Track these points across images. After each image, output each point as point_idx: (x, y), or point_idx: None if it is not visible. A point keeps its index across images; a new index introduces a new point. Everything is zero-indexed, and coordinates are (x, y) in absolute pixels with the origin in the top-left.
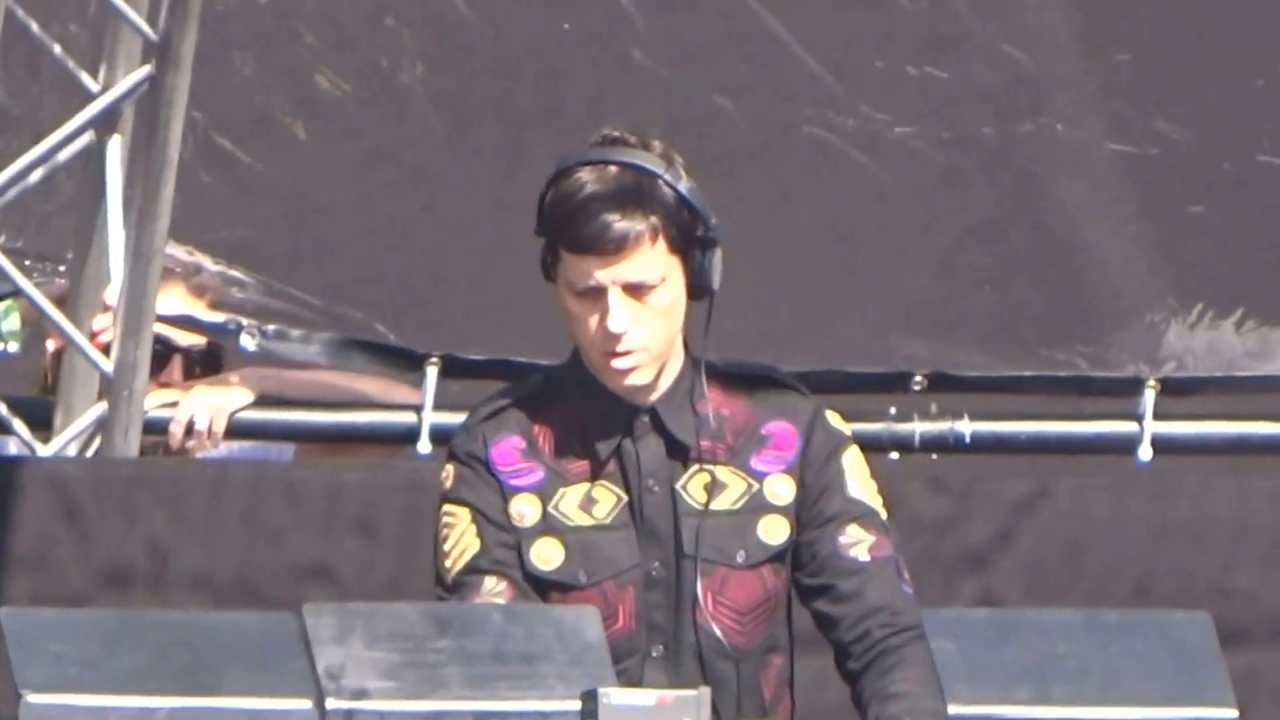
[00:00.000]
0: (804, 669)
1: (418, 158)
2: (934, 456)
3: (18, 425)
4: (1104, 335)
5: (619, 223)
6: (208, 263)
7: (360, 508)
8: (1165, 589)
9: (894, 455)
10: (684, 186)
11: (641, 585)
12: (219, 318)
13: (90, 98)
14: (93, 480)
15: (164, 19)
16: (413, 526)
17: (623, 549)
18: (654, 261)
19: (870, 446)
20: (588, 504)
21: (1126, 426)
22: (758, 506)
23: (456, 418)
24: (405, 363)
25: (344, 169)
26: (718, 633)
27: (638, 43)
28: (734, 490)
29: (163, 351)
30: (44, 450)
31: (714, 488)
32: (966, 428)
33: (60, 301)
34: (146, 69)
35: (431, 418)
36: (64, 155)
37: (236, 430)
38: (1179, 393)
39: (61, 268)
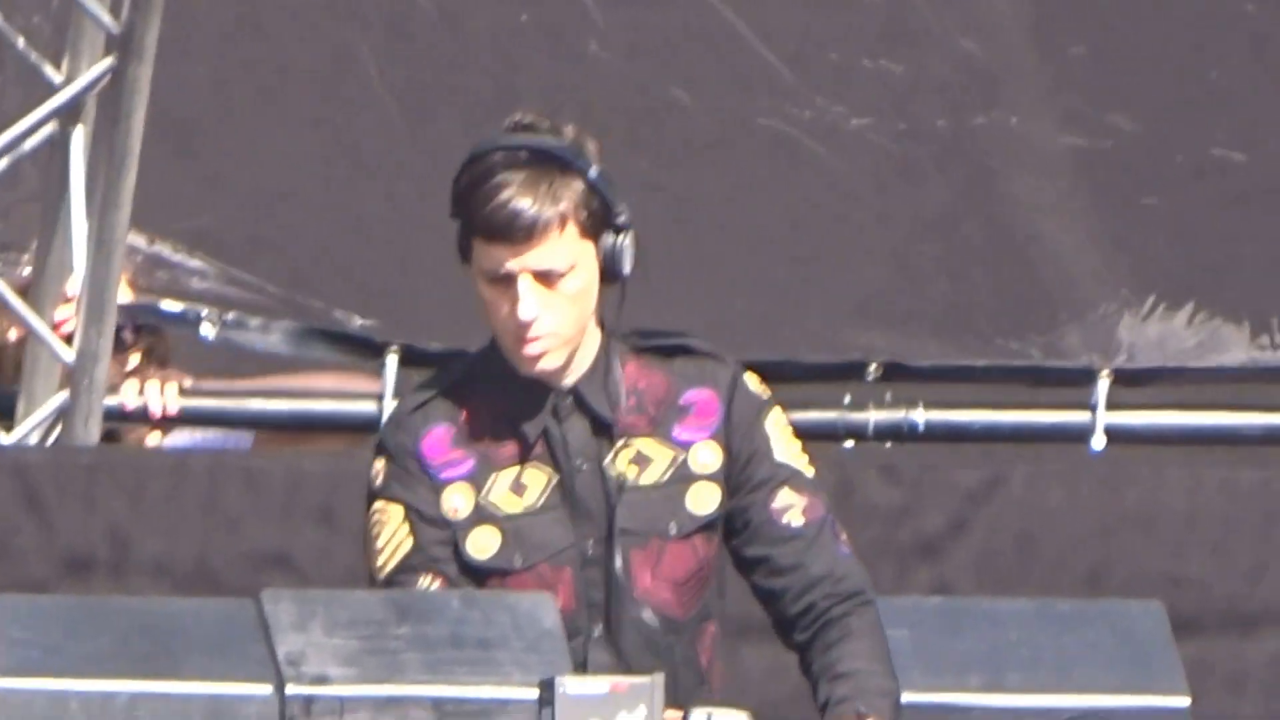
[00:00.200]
0: (761, 657)
1: (377, 147)
2: (888, 445)
3: None
4: (1057, 326)
5: (529, 210)
6: (168, 252)
7: (320, 496)
8: (1118, 578)
9: (848, 444)
10: (594, 172)
11: (578, 565)
12: (178, 306)
13: (53, 89)
14: (54, 468)
15: (126, 11)
16: None
17: (556, 530)
18: (564, 249)
19: (825, 435)
20: (518, 488)
21: (1079, 416)
22: (684, 476)
23: None
24: (365, 351)
25: (304, 159)
26: (656, 607)
27: (595, 35)
28: (660, 462)
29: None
30: (6, 438)
31: (640, 461)
32: (920, 417)
33: (23, 291)
34: (109, 60)
35: (392, 406)
36: (27, 145)
37: (196, 418)
38: (1132, 383)
39: (25, 256)
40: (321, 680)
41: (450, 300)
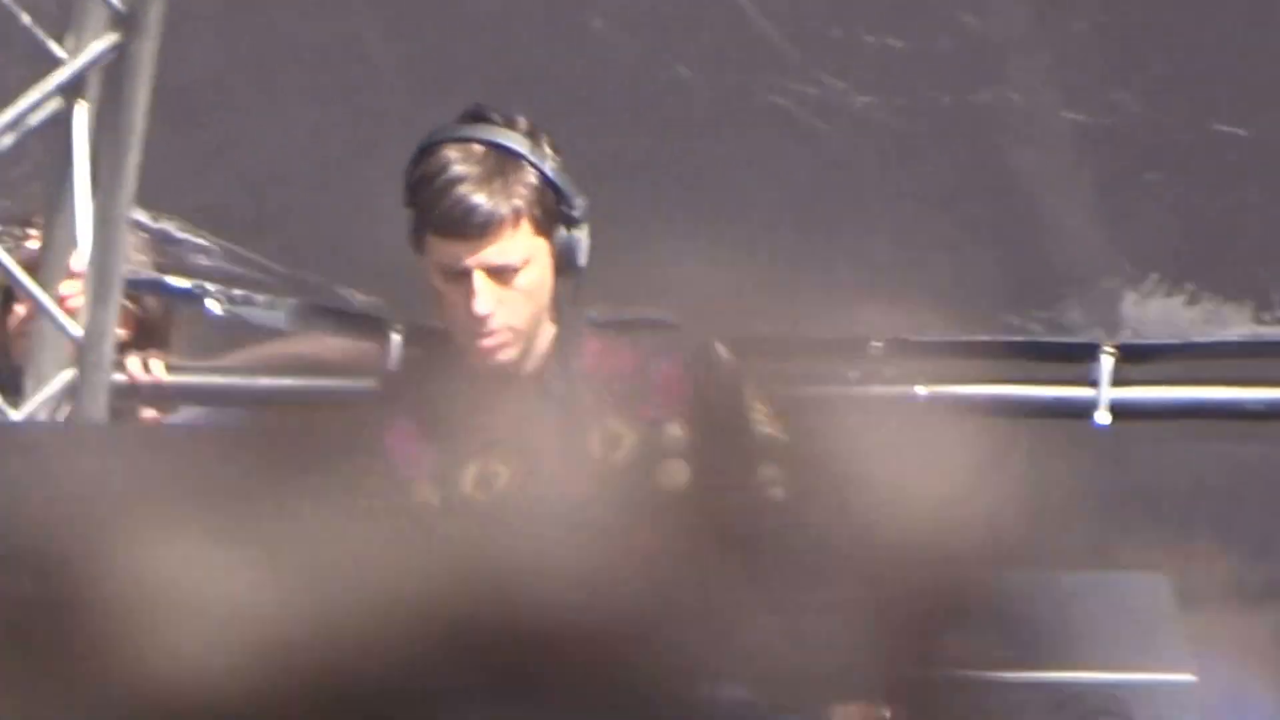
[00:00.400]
0: None
1: (380, 124)
2: None
3: None
4: (1060, 301)
5: (483, 207)
6: (173, 229)
7: None
8: (1122, 552)
9: None
10: (549, 166)
11: None
12: (184, 283)
13: (57, 65)
14: (61, 446)
15: None
16: None
17: (525, 519)
18: (518, 244)
19: None
20: (485, 480)
21: (1083, 391)
22: (653, 454)
23: None
24: (369, 329)
25: (308, 135)
26: None
27: (598, 11)
28: (628, 441)
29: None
30: (14, 415)
31: (609, 442)
32: (923, 392)
33: (30, 266)
34: (113, 36)
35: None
36: (32, 121)
37: (199, 396)
38: (1135, 358)
39: (31, 232)
40: None
41: None
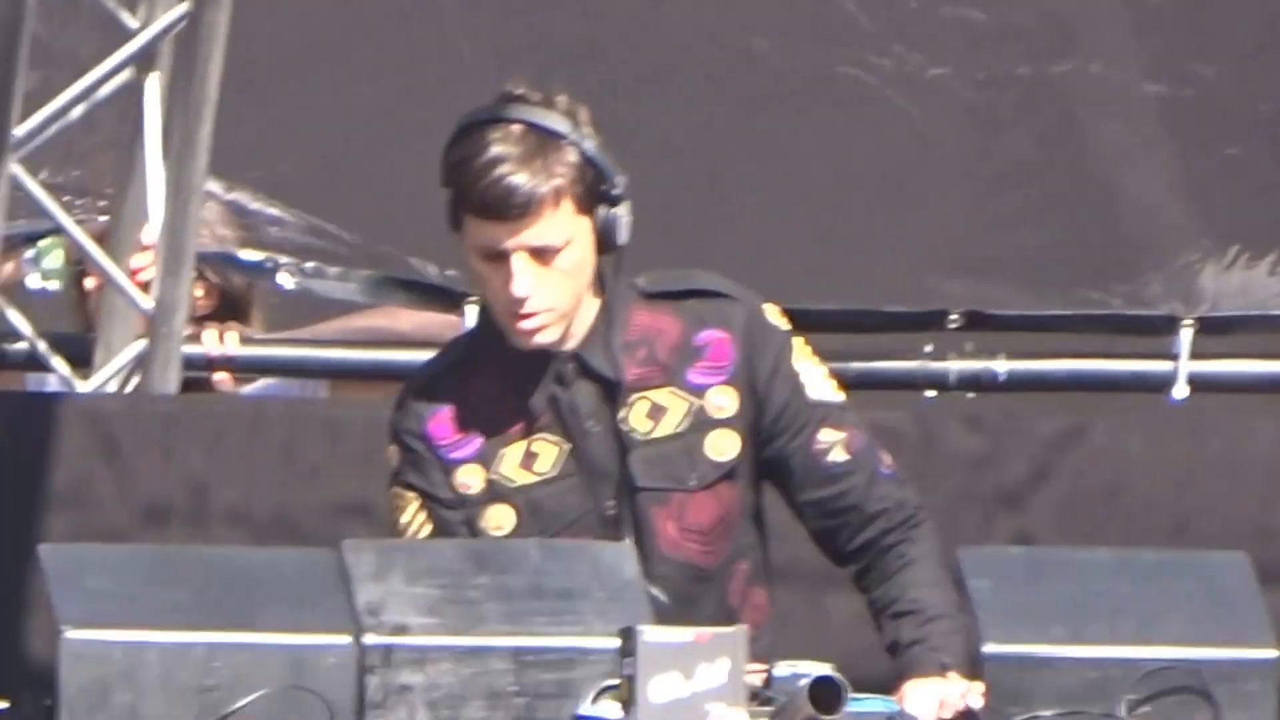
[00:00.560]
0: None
1: (456, 93)
2: (969, 395)
3: (58, 362)
4: (1139, 275)
5: (523, 187)
6: (246, 200)
7: None
8: (1202, 528)
9: (929, 394)
10: (589, 145)
11: (597, 527)
12: (257, 256)
13: (129, 35)
14: (132, 416)
15: None
16: None
17: (571, 498)
18: (558, 224)
19: (905, 385)
20: (528, 460)
21: (1162, 365)
22: (702, 424)
23: None
24: (444, 300)
25: (383, 105)
26: (683, 559)
27: None
28: (675, 412)
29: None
30: (84, 387)
31: (655, 414)
32: (1001, 366)
33: (100, 238)
34: (185, 6)
35: None
36: (104, 92)
37: (274, 367)
38: (1214, 331)
39: (103, 203)
40: (401, 630)
41: None
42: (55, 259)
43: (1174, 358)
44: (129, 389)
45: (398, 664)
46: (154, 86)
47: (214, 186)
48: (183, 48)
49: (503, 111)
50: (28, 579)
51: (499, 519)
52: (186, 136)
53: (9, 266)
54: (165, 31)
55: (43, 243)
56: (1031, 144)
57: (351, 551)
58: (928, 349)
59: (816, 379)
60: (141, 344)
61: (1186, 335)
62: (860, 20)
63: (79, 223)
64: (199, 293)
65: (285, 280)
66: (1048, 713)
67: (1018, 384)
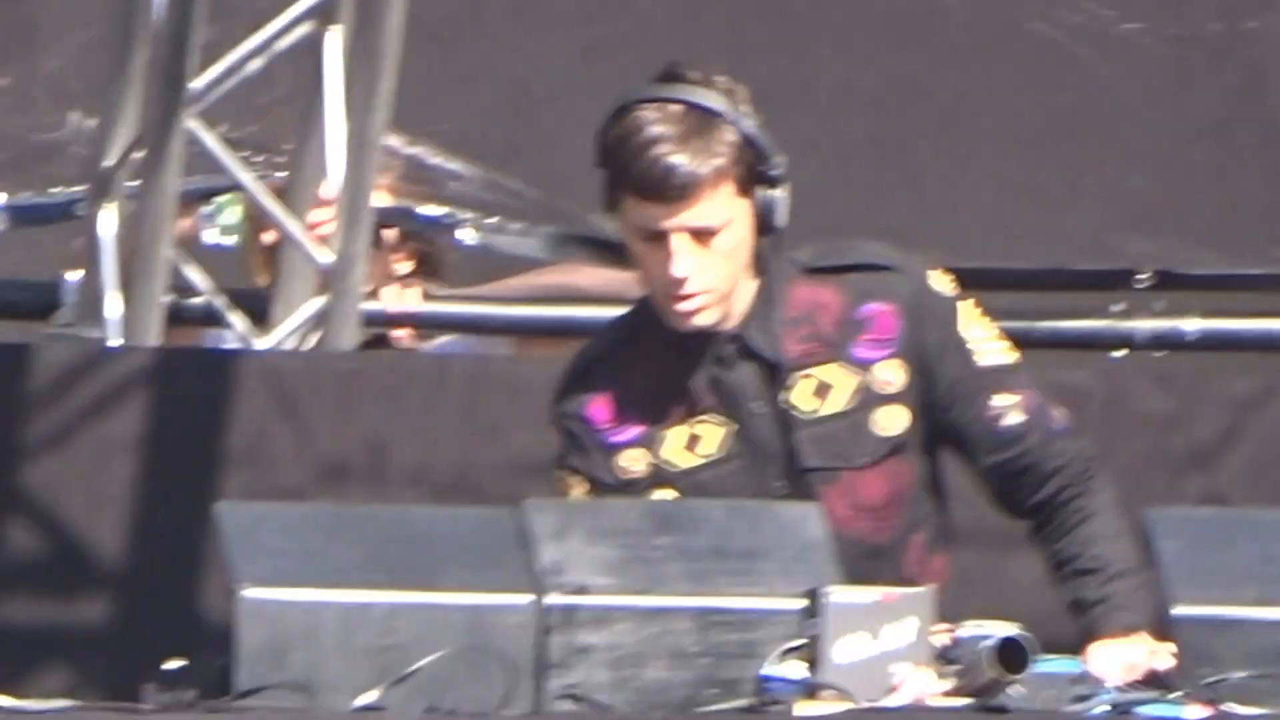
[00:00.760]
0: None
1: (639, 48)
2: (1158, 355)
3: (236, 318)
4: None
5: (683, 167)
6: (427, 154)
7: None
8: None
9: (1118, 353)
10: (748, 124)
11: None
12: (437, 211)
13: None
14: (311, 373)
15: None
16: None
17: (739, 480)
18: (718, 205)
19: (1094, 344)
20: (692, 443)
21: None
22: (869, 400)
23: None
24: (625, 257)
25: (564, 60)
26: (857, 538)
27: None
28: (842, 389)
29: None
30: (262, 343)
31: (821, 392)
32: (1191, 325)
33: (279, 194)
34: None
35: None
36: (283, 44)
37: (455, 324)
38: None
39: (281, 159)
40: (582, 590)
41: None
42: (234, 214)
43: None
44: (308, 346)
45: (579, 624)
46: (335, 39)
47: (394, 141)
48: (363, 1)
49: (661, 91)
50: (203, 537)
51: None
52: (367, 90)
53: (187, 222)
54: None
55: (221, 198)
56: (1223, 100)
57: (533, 511)
58: (1116, 308)
59: (986, 343)
60: (320, 300)
61: None
62: None
63: (258, 178)
64: (391, 244)
65: (466, 236)
66: (1238, 674)
67: (1208, 344)
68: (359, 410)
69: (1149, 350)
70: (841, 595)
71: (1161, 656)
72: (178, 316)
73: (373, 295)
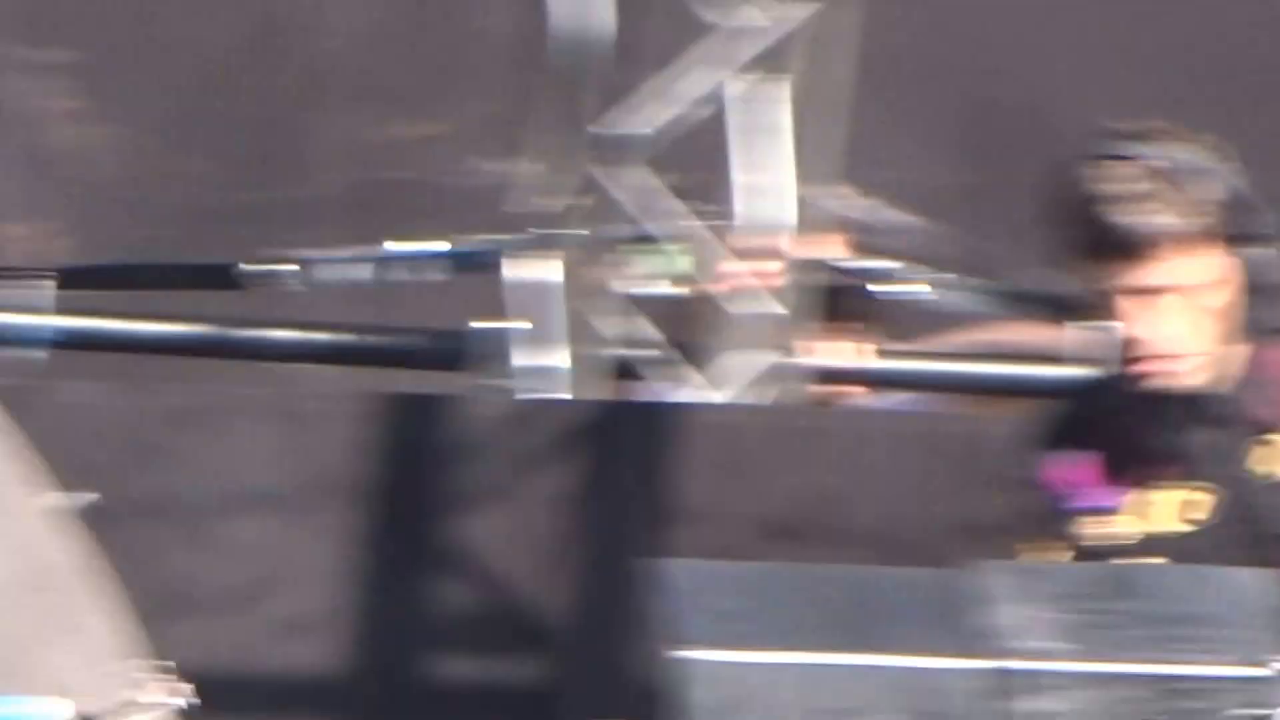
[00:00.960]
0: None
1: (1074, 95)
2: None
3: (683, 371)
4: None
5: (1172, 227)
6: (878, 207)
7: None
8: None
9: None
10: (1236, 182)
11: None
12: (889, 265)
13: (756, 34)
14: (763, 429)
15: None
16: None
17: (1228, 547)
18: (1205, 264)
19: None
20: (1182, 509)
21: None
22: None
23: None
24: (1072, 313)
25: (1007, 108)
26: None
27: None
28: None
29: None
30: (711, 397)
31: None
32: None
33: (727, 243)
34: (815, 4)
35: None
36: (731, 92)
37: (905, 382)
38: None
39: (727, 207)
40: (1043, 655)
41: None
42: (682, 263)
43: None
44: (758, 400)
45: (1039, 690)
46: (783, 88)
47: (844, 193)
48: (812, 47)
49: (1141, 144)
50: (647, 595)
51: None
52: (814, 139)
53: (630, 270)
54: (793, 32)
55: (669, 246)
56: None
57: (989, 573)
58: None
59: None
60: (771, 354)
61: None
62: None
63: (704, 227)
64: (845, 304)
65: (917, 290)
66: None
67: None
68: (811, 467)
69: None
70: None
71: None
72: (622, 369)
73: (824, 350)
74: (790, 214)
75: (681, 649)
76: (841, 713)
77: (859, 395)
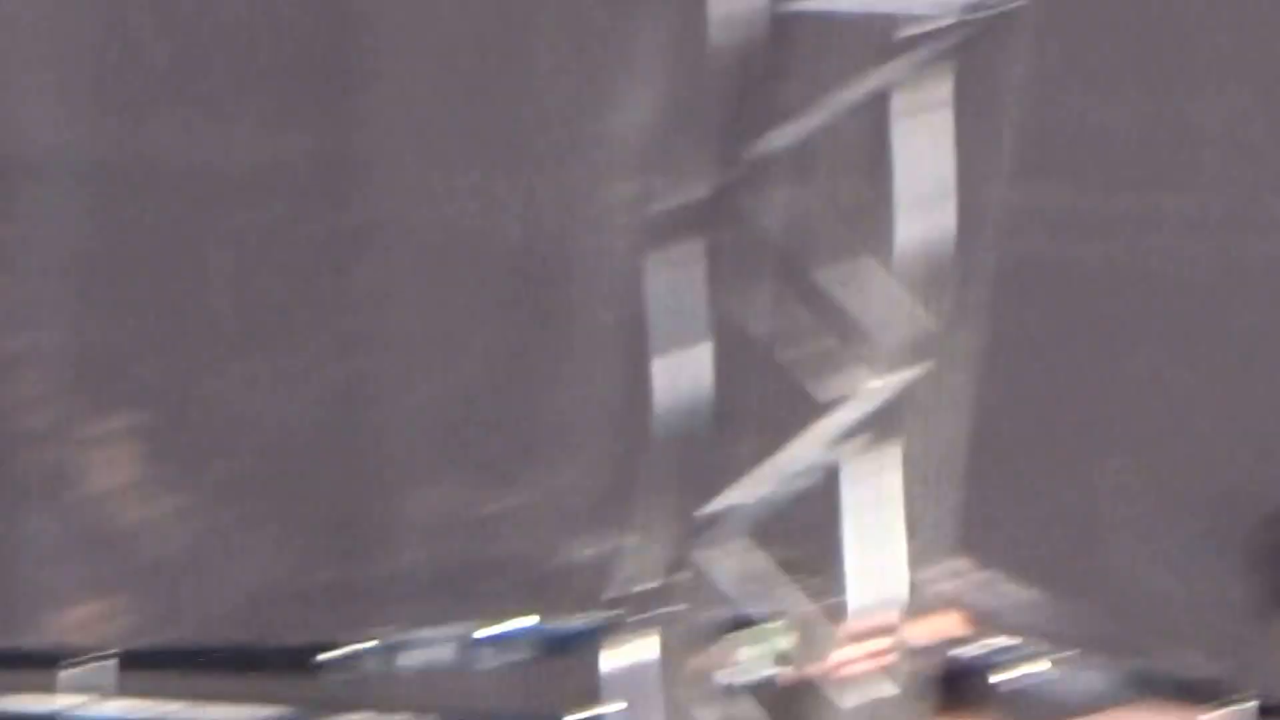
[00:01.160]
0: None
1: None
2: None
3: None
4: None
5: None
6: (990, 578)
7: None
8: None
9: None
10: None
11: None
12: (1005, 642)
13: (864, 396)
14: None
15: None
16: None
17: None
18: None
19: None
20: None
21: None
22: None
23: None
24: (1211, 699)
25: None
26: None
27: None
28: None
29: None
30: None
31: None
32: None
33: (834, 620)
34: (924, 366)
35: None
36: (831, 459)
37: None
38: None
39: (831, 583)
40: None
41: None
42: (784, 643)
43: None
44: None
45: None
46: (894, 454)
47: (961, 566)
48: (922, 408)
49: None
50: None
51: None
52: (926, 515)
53: (731, 657)
54: (898, 394)
55: (771, 625)
56: None
57: None
58: None
59: None
60: None
61: None
62: None
63: (811, 604)
64: (963, 691)
65: (1030, 670)
66: None
67: None
68: None
69: None
70: None
71: None
72: None
73: None
74: (903, 590)
75: None
76: None
77: None
